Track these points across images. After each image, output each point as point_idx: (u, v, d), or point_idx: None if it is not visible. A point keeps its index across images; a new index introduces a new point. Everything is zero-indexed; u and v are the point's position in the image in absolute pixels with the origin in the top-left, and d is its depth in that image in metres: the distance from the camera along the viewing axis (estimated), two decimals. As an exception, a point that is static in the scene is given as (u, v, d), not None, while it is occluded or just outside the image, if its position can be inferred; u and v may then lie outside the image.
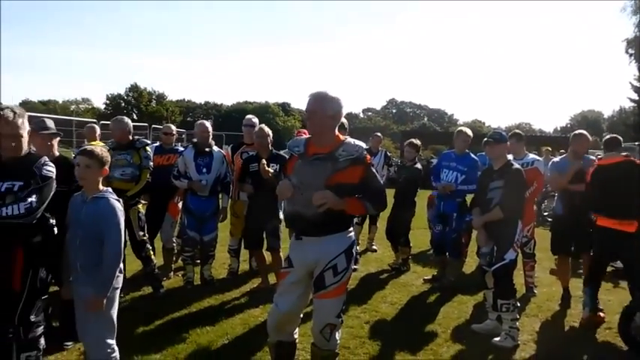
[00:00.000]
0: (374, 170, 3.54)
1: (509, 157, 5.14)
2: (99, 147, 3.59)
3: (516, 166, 4.92)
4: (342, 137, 3.50)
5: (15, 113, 3.25)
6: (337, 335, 3.55)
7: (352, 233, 3.58)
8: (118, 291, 3.53)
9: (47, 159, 3.46)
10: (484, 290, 5.29)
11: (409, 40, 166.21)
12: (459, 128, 6.84)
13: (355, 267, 7.07)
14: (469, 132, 6.70)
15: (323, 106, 3.39)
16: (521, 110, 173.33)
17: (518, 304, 4.97)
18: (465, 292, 6.41)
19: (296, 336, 3.76)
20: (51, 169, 3.38)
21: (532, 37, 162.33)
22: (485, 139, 5.00)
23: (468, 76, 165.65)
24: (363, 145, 3.52)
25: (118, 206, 3.43)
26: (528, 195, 5.88)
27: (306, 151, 3.49)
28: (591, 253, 5.53)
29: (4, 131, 3.24)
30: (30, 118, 3.49)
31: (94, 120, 19.31)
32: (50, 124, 4.30)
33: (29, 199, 3.20)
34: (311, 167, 3.42)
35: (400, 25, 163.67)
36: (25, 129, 3.34)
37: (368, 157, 3.51)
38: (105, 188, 3.49)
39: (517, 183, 4.80)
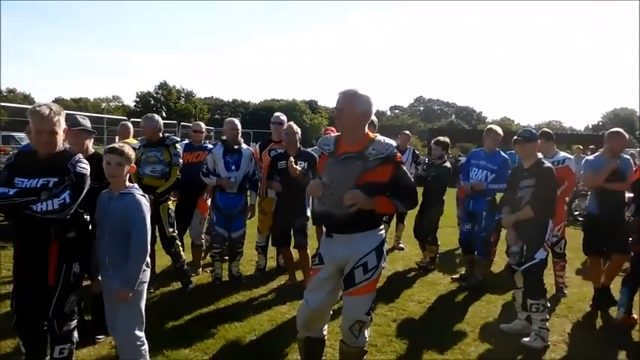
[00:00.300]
0: (404, 168, 3.51)
1: (540, 155, 5.06)
2: (126, 145, 3.66)
3: (547, 164, 4.85)
4: (372, 135, 3.48)
5: (51, 110, 3.32)
6: (366, 333, 3.55)
7: (382, 231, 3.58)
8: (146, 285, 3.61)
9: (82, 156, 3.53)
10: (513, 290, 5.23)
11: (437, 36, 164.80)
12: (489, 126, 6.74)
13: (383, 265, 7.06)
14: (499, 130, 6.59)
15: (353, 104, 3.38)
16: (551, 107, 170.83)
17: (549, 305, 4.90)
18: (493, 292, 6.35)
19: (325, 332, 3.78)
20: (85, 166, 3.45)
21: (563, 32, 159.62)
22: (515, 137, 4.93)
23: (497, 73, 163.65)
24: (394, 143, 3.50)
25: (144, 201, 3.52)
26: (559, 194, 5.79)
27: (336, 150, 3.49)
28: (631, 254, 5.39)
29: (39, 127, 3.32)
30: (66, 116, 3.57)
31: (125, 117, 19.58)
32: (86, 122, 4.37)
33: (63, 196, 3.28)
34: (341, 166, 3.42)
35: (428, 22, 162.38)
36: (61, 126, 3.41)
37: (398, 155, 3.49)
38: (131, 184, 3.58)
39: (548, 181, 4.73)
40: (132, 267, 3.42)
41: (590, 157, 5.99)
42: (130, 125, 7.46)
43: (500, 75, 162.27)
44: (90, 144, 4.38)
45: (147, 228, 3.48)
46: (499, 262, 7.80)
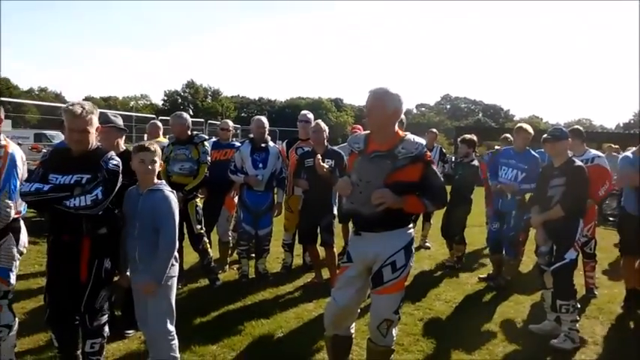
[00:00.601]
0: (434, 167, 3.48)
1: (570, 153, 4.98)
2: (154, 142, 3.73)
3: (578, 163, 4.77)
4: (401, 134, 3.46)
5: (84, 109, 3.38)
6: (394, 331, 3.54)
7: (411, 229, 3.56)
8: (175, 279, 3.66)
9: (114, 153, 3.59)
10: (542, 290, 5.17)
11: (464, 34, 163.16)
12: (519, 125, 6.61)
13: (411, 264, 7.02)
14: (529, 129, 6.45)
15: (383, 102, 3.36)
16: (581, 105, 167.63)
17: (579, 306, 4.82)
18: (521, 292, 6.28)
19: (352, 331, 3.77)
20: (117, 164, 3.51)
21: (592, 28, 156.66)
22: (545, 136, 4.86)
23: (525, 71, 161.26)
24: (423, 141, 3.47)
25: (173, 198, 3.57)
26: (601, 194, 5.70)
27: (365, 148, 3.48)
28: None
29: (71, 125, 3.39)
30: (99, 114, 3.63)
31: (153, 116, 19.81)
32: (118, 120, 4.44)
33: (95, 192, 3.34)
34: (370, 165, 3.40)
35: (455, 19, 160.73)
36: (94, 125, 3.47)
37: (428, 154, 3.46)
38: (159, 181, 3.63)
39: (579, 181, 4.65)
40: (160, 261, 3.47)
41: (629, 154, 5.83)
42: (160, 124, 7.54)
43: (529, 72, 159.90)
44: (121, 141, 4.45)
45: (175, 224, 3.54)
46: (527, 262, 7.71)
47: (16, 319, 3.85)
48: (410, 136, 3.46)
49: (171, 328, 3.59)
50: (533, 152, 6.37)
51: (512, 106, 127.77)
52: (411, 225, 3.57)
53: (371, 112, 3.40)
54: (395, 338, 3.60)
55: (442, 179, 3.53)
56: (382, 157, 3.37)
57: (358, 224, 3.55)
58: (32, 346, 4.36)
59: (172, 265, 3.57)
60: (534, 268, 7.25)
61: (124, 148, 4.44)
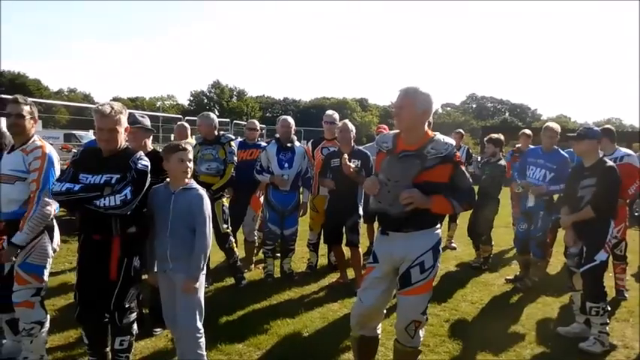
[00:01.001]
0: (463, 168, 3.45)
1: (601, 153, 4.89)
2: (187, 143, 3.77)
3: (610, 163, 4.67)
4: (431, 134, 3.44)
5: (112, 109, 3.45)
6: (421, 332, 3.53)
7: (439, 230, 3.54)
8: (204, 277, 3.70)
9: (143, 153, 3.63)
10: (571, 292, 5.09)
11: (490, 33, 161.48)
12: (546, 124, 6.53)
13: (438, 265, 6.97)
14: (556, 127, 6.38)
15: (413, 101, 3.35)
16: (610, 104, 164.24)
17: (609, 308, 4.74)
18: (549, 294, 6.20)
19: (379, 331, 3.77)
20: (146, 164, 3.55)
21: (620, 25, 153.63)
22: (574, 134, 4.78)
23: (553, 69, 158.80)
24: (453, 142, 3.45)
25: (206, 197, 3.62)
26: (631, 193, 5.61)
27: (394, 148, 3.46)
28: None
29: (100, 125, 3.45)
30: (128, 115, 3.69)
31: (180, 116, 20.01)
32: (145, 120, 4.50)
33: (125, 192, 3.39)
34: (399, 164, 3.39)
35: (481, 19, 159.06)
36: (122, 125, 3.53)
37: (458, 154, 3.44)
38: (191, 180, 3.66)
39: (610, 181, 4.56)
40: (196, 258, 3.52)
41: None
42: (187, 125, 7.59)
43: (556, 71, 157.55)
44: (149, 142, 4.50)
45: (209, 222, 3.60)
46: (555, 263, 7.61)
47: (48, 315, 3.93)
48: (439, 136, 3.43)
49: (200, 325, 3.62)
50: (562, 152, 6.28)
51: (540, 106, 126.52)
52: (438, 225, 3.54)
53: (400, 111, 3.38)
54: (422, 339, 3.59)
55: (470, 180, 3.48)
56: (411, 156, 3.36)
57: (385, 224, 3.53)
58: (63, 342, 4.45)
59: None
60: (562, 270, 7.16)
61: (152, 148, 4.50)
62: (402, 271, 3.43)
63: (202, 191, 3.63)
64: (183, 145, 3.64)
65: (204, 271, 3.68)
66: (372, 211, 3.69)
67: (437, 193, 3.32)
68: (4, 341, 4.15)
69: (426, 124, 3.47)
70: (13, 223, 3.73)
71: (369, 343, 3.75)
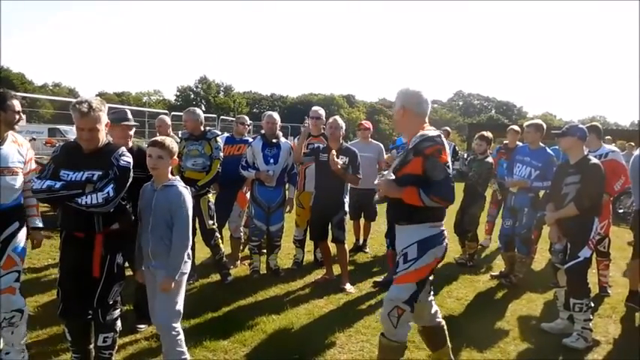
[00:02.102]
0: (436, 161, 3.38)
1: (586, 150, 4.93)
2: (168, 138, 3.70)
3: (594, 160, 4.70)
4: (421, 129, 3.52)
5: (91, 107, 3.33)
6: (406, 327, 3.54)
7: (435, 228, 3.52)
8: (186, 277, 3.65)
9: (125, 149, 3.58)
10: (555, 288, 5.13)
11: (477, 29, 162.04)
12: (531, 121, 6.57)
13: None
14: (540, 124, 6.43)
15: (397, 101, 3.59)
16: (595, 102, 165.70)
17: (592, 305, 4.78)
18: (534, 290, 6.24)
19: (439, 320, 3.87)
20: (128, 160, 3.50)
21: (605, 25, 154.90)
22: (559, 131, 4.82)
23: (538, 67, 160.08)
24: (432, 133, 3.45)
25: (187, 193, 3.57)
26: (617, 189, 5.69)
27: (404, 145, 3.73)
28: None
29: (79, 124, 3.37)
30: (110, 109, 3.64)
31: (166, 111, 19.88)
32: (130, 115, 4.46)
33: (107, 189, 3.34)
34: (397, 159, 3.66)
35: (467, 15, 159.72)
36: (102, 122, 3.44)
37: (431, 148, 3.37)
38: (174, 177, 3.62)
39: (595, 178, 4.59)
40: (173, 257, 3.48)
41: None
42: (167, 119, 7.46)
43: (542, 69, 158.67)
44: (131, 133, 4.46)
45: (188, 219, 3.53)
46: (540, 259, 7.66)
47: (27, 306, 3.90)
48: (425, 131, 3.49)
49: (176, 324, 3.59)
50: (548, 150, 6.33)
51: (526, 103, 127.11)
52: (437, 223, 3.54)
53: (395, 111, 3.69)
54: (407, 335, 3.59)
55: (447, 175, 3.39)
56: (405, 151, 3.56)
57: (389, 215, 3.89)
58: (45, 338, 4.41)
59: (185, 261, 3.57)
60: (547, 266, 7.22)
61: (132, 143, 4.44)
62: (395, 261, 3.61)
63: (183, 189, 3.56)
64: (154, 140, 3.60)
65: (187, 271, 3.64)
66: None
67: (416, 185, 3.40)
68: None
69: (420, 122, 3.58)
70: (17, 210, 3.86)
71: (435, 332, 3.88)
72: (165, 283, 3.47)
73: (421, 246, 3.47)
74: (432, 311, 3.81)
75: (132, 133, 4.43)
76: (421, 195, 3.36)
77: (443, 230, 3.57)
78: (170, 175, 3.60)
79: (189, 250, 3.62)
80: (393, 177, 3.49)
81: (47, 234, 7.67)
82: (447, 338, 3.92)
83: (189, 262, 3.66)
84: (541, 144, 6.39)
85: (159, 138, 3.68)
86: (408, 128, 3.58)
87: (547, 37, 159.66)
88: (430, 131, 3.48)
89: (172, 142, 3.60)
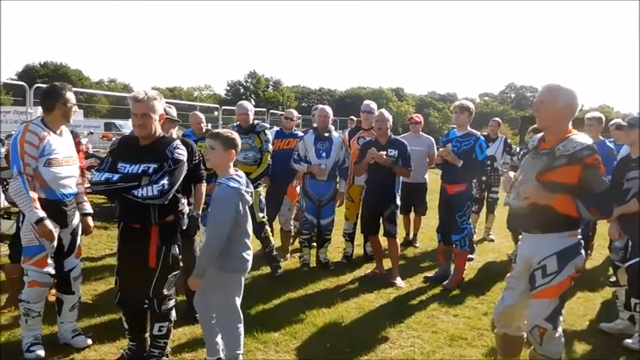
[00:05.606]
0: (597, 172, 3.15)
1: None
2: (225, 130, 3.69)
3: (659, 153, 4.49)
4: (569, 132, 3.27)
5: (146, 94, 3.47)
6: (557, 343, 3.33)
7: (575, 237, 3.31)
8: (243, 277, 3.66)
9: (179, 142, 3.65)
10: (615, 287, 4.95)
11: (530, 20, 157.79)
12: (590, 114, 6.34)
13: (472, 256, 6.89)
14: (600, 116, 6.18)
15: (555, 96, 3.24)
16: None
17: (655, 305, 4.58)
18: (591, 289, 6.03)
19: (524, 333, 3.60)
20: (182, 152, 3.57)
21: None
22: (620, 123, 4.63)
23: (595, 58, 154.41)
24: (588, 142, 3.19)
25: (230, 194, 3.42)
26: None
27: (537, 146, 3.39)
28: None
29: (134, 110, 3.48)
30: None
31: (217, 105, 20.11)
32: (172, 111, 4.56)
33: (162, 182, 3.41)
34: (532, 161, 3.34)
35: (521, 5, 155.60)
36: (156, 111, 3.52)
37: (591, 157, 3.13)
38: (232, 173, 3.51)
39: (658, 173, 4.39)
40: (200, 256, 3.54)
41: None
42: (199, 114, 7.28)
43: (599, 59, 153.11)
44: (174, 132, 4.56)
45: (223, 222, 3.38)
46: (597, 257, 7.42)
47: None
48: (576, 135, 3.25)
49: (239, 325, 3.60)
50: (608, 143, 6.09)
51: (582, 95, 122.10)
52: (576, 232, 3.32)
53: (540, 105, 3.30)
54: (560, 351, 3.39)
55: (607, 187, 3.18)
56: (542, 154, 3.28)
57: (515, 222, 3.53)
58: (103, 325, 4.56)
59: (246, 259, 3.54)
60: (604, 264, 6.98)
61: (176, 137, 4.51)
62: (530, 274, 3.35)
63: (228, 189, 3.41)
64: (209, 132, 3.63)
65: (245, 269, 3.60)
66: (510, 210, 3.58)
67: (565, 193, 3.14)
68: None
69: (568, 124, 3.31)
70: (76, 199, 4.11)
71: (512, 342, 3.65)
72: (192, 281, 3.50)
73: (561, 258, 3.25)
74: (522, 323, 3.58)
75: (174, 128, 4.53)
76: (579, 206, 3.09)
77: (581, 239, 3.33)
78: (231, 170, 3.52)
79: (249, 248, 3.59)
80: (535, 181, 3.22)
81: (104, 225, 7.97)
82: (522, 351, 3.73)
83: (242, 259, 3.56)
84: (600, 137, 6.16)
85: (215, 129, 3.71)
86: (557, 128, 3.26)
87: (602, 26, 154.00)
88: (585, 137, 3.25)
89: (229, 134, 3.52)
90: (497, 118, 9.33)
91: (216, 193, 3.45)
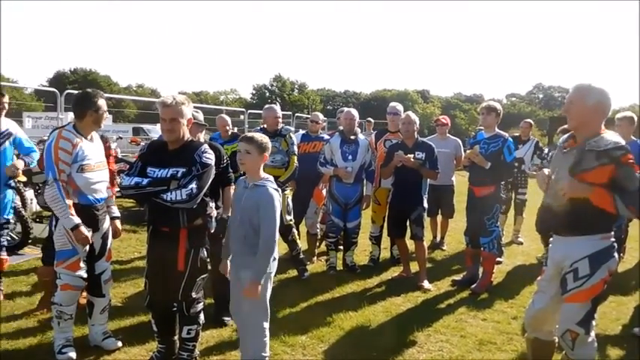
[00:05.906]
0: (632, 170, 3.08)
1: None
2: (258, 134, 3.62)
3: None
4: (602, 131, 3.22)
5: (174, 99, 3.52)
6: (591, 348, 3.27)
7: (607, 239, 3.23)
8: (272, 275, 3.62)
9: (207, 147, 3.68)
10: (649, 291, 4.84)
11: (558, 19, 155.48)
12: (621, 113, 6.21)
13: (500, 260, 6.80)
14: (631, 115, 6.06)
15: (584, 95, 3.21)
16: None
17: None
18: (623, 292, 5.91)
19: (555, 337, 3.52)
20: (210, 157, 3.60)
21: None
22: None
23: (625, 56, 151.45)
24: (621, 141, 3.14)
25: (276, 196, 3.43)
26: None
27: (566, 143, 3.36)
28: None
29: (162, 114, 3.53)
30: None
31: (243, 109, 20.25)
32: (199, 115, 4.60)
33: (190, 186, 3.46)
34: (563, 158, 3.29)
35: (548, 4, 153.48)
36: (185, 116, 3.57)
37: (625, 156, 3.07)
38: (266, 176, 3.51)
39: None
40: (259, 261, 3.36)
41: None
42: (225, 117, 7.25)
43: (629, 58, 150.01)
44: (201, 136, 4.61)
45: (275, 223, 3.40)
46: (630, 260, 7.28)
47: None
48: (608, 134, 3.20)
49: (265, 325, 3.52)
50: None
51: (612, 94, 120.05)
52: (609, 234, 3.24)
53: (570, 106, 3.26)
54: (593, 354, 3.33)
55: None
56: (572, 150, 3.25)
57: (550, 224, 3.46)
58: (132, 328, 4.62)
59: (273, 260, 3.49)
60: (637, 267, 6.85)
61: (203, 141, 4.54)
62: (561, 277, 3.29)
63: (273, 190, 3.42)
64: (243, 135, 3.62)
65: (273, 271, 3.56)
66: (542, 208, 3.54)
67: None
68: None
69: (602, 123, 3.25)
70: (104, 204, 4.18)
71: (543, 347, 3.59)
72: (251, 289, 3.35)
73: (593, 261, 3.17)
74: (553, 327, 3.50)
75: (201, 133, 4.57)
76: (617, 202, 3.01)
77: (614, 242, 3.25)
78: (262, 174, 3.51)
79: (277, 251, 3.55)
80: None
81: (133, 228, 8.08)
82: (553, 356, 3.66)
83: (276, 262, 3.57)
84: (632, 137, 6.03)
85: (249, 133, 3.70)
86: (589, 127, 3.20)
87: (632, 25, 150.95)
88: (616, 136, 3.20)
89: (263, 138, 3.50)
90: (529, 120, 9.13)
91: (264, 194, 3.40)
